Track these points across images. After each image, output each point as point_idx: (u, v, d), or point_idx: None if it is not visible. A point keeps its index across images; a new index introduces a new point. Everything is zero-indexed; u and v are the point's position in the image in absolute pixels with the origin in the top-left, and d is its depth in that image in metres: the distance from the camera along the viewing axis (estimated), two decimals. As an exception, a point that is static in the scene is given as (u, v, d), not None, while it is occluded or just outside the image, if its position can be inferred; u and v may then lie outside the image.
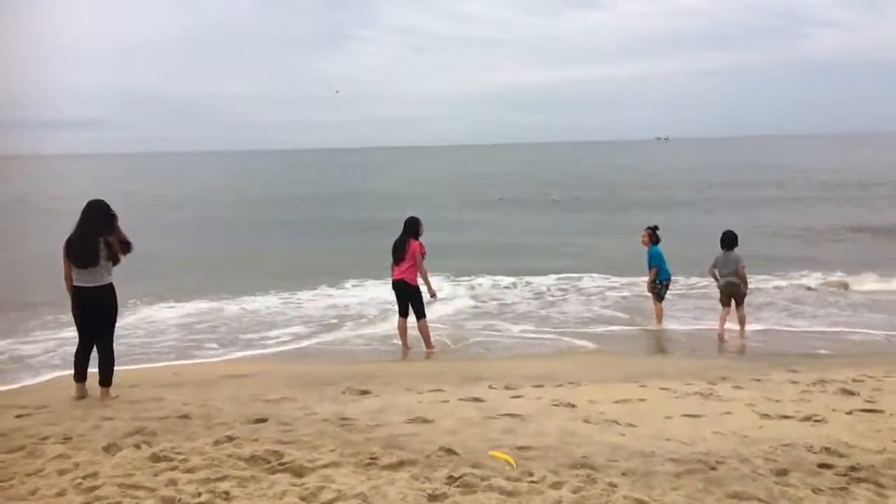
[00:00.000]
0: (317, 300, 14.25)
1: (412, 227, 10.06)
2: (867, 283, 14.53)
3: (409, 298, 10.09)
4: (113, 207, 7.37)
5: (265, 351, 10.70)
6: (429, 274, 10.22)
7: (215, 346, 10.97)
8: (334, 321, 12.42)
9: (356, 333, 11.57)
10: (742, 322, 10.84)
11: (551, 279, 15.74)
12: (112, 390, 7.29)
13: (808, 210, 29.07)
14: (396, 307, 10.37)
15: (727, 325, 10.92)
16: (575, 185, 47.82)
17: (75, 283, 7.17)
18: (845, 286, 14.25)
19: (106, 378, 7.29)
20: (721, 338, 10.77)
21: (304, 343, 11.10)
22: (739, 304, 10.82)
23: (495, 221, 28.17)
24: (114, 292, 7.32)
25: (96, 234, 7.12)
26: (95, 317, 7.27)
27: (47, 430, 5.86)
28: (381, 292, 13.45)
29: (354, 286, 15.41)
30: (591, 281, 15.53)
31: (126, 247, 7.34)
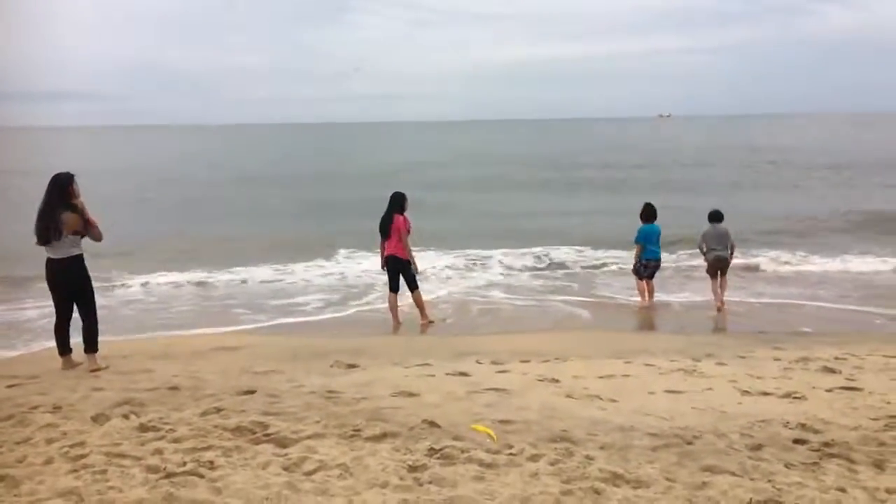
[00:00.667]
0: (311, 271, 14.56)
1: (397, 203, 10.15)
2: (816, 263, 14.95)
3: (401, 272, 10.18)
4: (78, 181, 7.33)
5: (307, 319, 11.17)
6: (415, 249, 10.49)
7: (244, 311, 11.42)
8: (355, 290, 12.90)
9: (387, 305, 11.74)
10: (724, 290, 11.24)
11: (536, 251, 16.20)
12: (101, 360, 7.39)
13: (795, 192, 28.79)
14: (388, 282, 10.44)
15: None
16: (571, 163, 47.61)
17: (47, 256, 7.26)
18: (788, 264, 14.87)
19: (90, 345, 7.40)
20: (718, 307, 11.11)
21: (344, 312, 11.56)
22: (724, 274, 11.22)
23: (487, 200, 27.92)
24: (81, 263, 7.34)
25: (53, 211, 7.13)
26: (66, 288, 7.35)
27: (37, 399, 5.94)
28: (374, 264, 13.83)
29: (346, 258, 15.63)
30: (576, 254, 16.06)
31: (93, 231, 7.31)
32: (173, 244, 17.64)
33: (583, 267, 14.88)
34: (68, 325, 7.50)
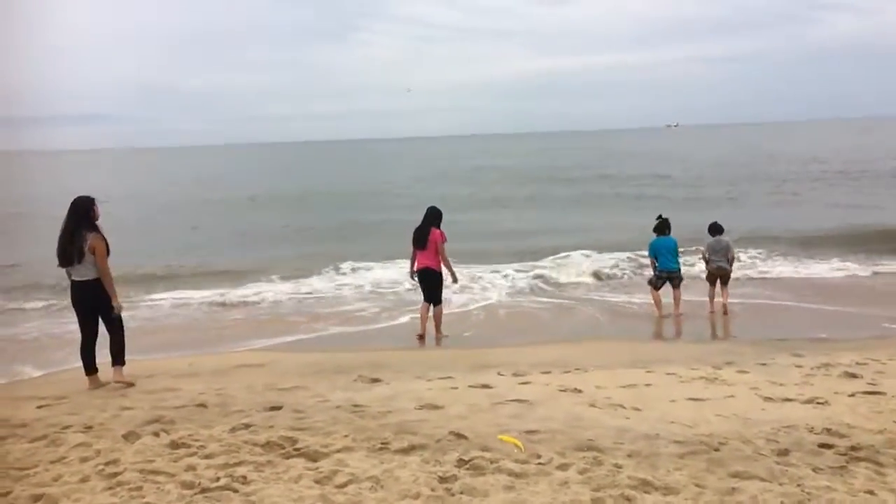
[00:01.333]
0: (332, 281, 14.89)
1: (434, 216, 10.42)
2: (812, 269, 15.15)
3: (432, 284, 10.39)
4: (99, 205, 7.58)
5: (367, 327, 11.50)
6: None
7: (300, 320, 11.80)
8: (392, 299, 13.23)
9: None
10: (726, 298, 11.56)
11: (547, 263, 16.26)
12: (127, 376, 7.55)
13: (802, 202, 28.44)
14: (421, 293, 10.63)
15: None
16: (579, 177, 47.43)
17: (71, 279, 7.45)
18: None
19: (117, 358, 7.56)
20: (712, 315, 11.48)
21: (401, 319, 11.73)
22: (725, 284, 11.61)
23: (497, 217, 27.60)
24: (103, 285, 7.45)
25: (78, 233, 7.32)
26: (89, 309, 7.50)
27: (68, 419, 6.03)
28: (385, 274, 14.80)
29: (355, 270, 15.97)
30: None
31: (102, 260, 7.43)
32: (187, 266, 17.68)
33: (597, 277, 14.90)
34: (94, 345, 7.61)
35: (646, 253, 12.67)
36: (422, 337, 10.41)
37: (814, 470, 4.42)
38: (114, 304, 7.47)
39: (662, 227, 11.62)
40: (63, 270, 7.49)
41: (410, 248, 10.55)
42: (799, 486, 4.15)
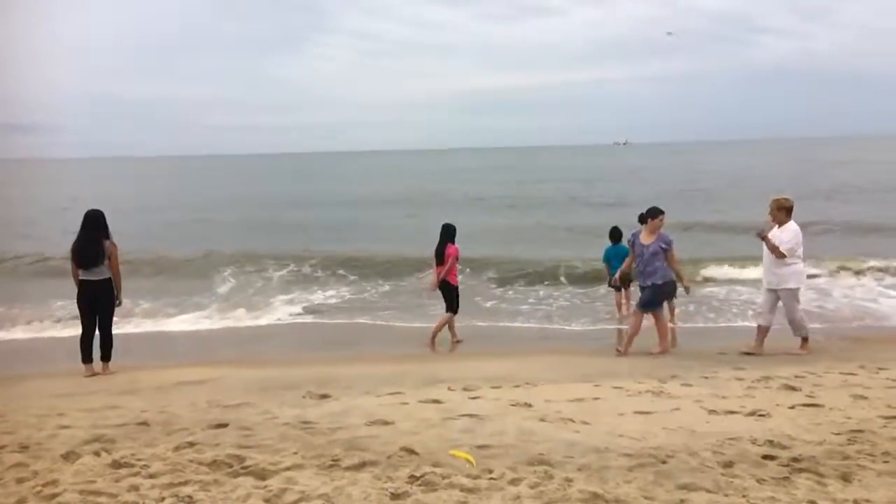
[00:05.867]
0: None
1: (451, 233, 11.32)
2: None
3: (448, 294, 11.28)
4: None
5: None
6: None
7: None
8: None
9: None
10: (672, 311, 11.97)
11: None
12: (68, 393, 7.83)
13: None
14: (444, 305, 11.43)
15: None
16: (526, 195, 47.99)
17: (81, 278, 8.98)
18: None
19: (106, 355, 9.22)
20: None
21: None
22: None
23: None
24: (112, 284, 9.11)
25: (99, 239, 8.93)
26: (97, 305, 9.10)
27: (3, 439, 5.78)
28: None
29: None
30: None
31: (115, 263, 9.13)
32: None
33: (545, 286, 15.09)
34: (92, 338, 9.16)
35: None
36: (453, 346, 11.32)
37: (758, 481, 4.51)
38: (119, 298, 9.26)
39: (616, 235, 12.39)
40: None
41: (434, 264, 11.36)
42: (744, 496, 4.24)
